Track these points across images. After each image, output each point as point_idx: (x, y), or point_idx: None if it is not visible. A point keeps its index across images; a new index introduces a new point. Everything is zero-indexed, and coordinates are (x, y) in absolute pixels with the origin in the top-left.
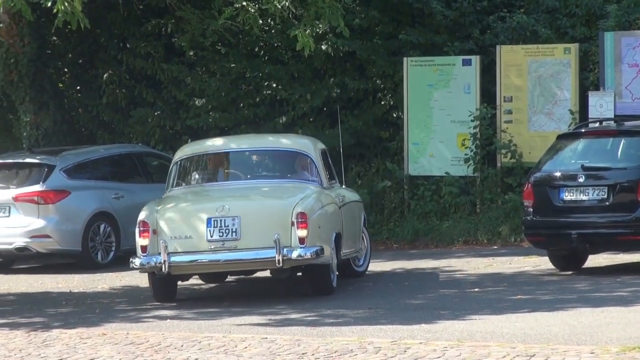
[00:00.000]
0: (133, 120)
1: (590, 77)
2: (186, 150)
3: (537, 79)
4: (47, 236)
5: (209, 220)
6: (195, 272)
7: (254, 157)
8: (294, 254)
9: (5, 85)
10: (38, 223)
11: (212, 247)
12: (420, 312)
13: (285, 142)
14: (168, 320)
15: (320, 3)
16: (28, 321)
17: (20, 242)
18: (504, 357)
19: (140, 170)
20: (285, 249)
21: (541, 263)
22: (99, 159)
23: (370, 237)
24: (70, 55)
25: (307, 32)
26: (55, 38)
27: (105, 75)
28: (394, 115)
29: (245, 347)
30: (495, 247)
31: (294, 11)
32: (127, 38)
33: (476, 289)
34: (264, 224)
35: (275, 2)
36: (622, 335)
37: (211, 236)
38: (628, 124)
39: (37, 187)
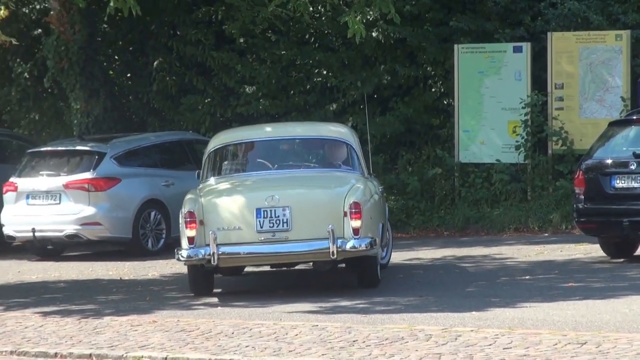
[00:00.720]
0: (183, 108)
1: None
2: (222, 139)
3: (589, 65)
4: (98, 223)
5: (258, 211)
6: (243, 264)
7: (294, 146)
8: (348, 245)
9: (56, 73)
10: (88, 210)
11: (262, 238)
12: (471, 299)
13: (325, 129)
14: (219, 307)
15: None
16: (79, 308)
17: (70, 229)
18: (555, 344)
19: (191, 157)
20: (339, 240)
21: (592, 250)
22: (149, 147)
23: (421, 225)
24: (120, 43)
25: (357, 18)
26: (105, 25)
27: (155, 63)
28: (445, 102)
29: (296, 335)
30: (546, 234)
31: None
32: (178, 25)
33: (527, 277)
34: (315, 214)
35: None
36: None
37: (261, 227)
38: None
39: (88, 175)
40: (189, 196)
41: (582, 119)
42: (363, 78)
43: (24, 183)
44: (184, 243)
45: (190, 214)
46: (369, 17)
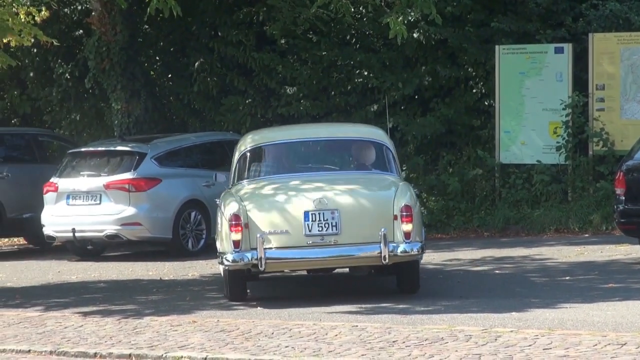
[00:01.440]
0: (224, 108)
1: None
2: (254, 140)
3: (630, 66)
4: (138, 224)
5: (306, 214)
6: (290, 269)
7: (329, 147)
8: (400, 250)
9: (97, 74)
10: (129, 211)
11: (310, 242)
12: (511, 300)
13: (360, 130)
14: (258, 308)
15: None
16: (119, 308)
17: (111, 229)
18: (595, 345)
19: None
20: (390, 245)
21: (632, 251)
22: (189, 147)
23: (461, 225)
24: (161, 44)
25: (399, 19)
26: (146, 26)
27: (196, 64)
28: (486, 103)
29: (336, 335)
30: (587, 235)
31: None
32: (219, 26)
33: (567, 278)
34: (365, 218)
35: None
36: None
37: (309, 230)
38: None
39: (128, 175)
40: (229, 199)
41: (623, 120)
42: (404, 79)
43: (64, 183)
44: (227, 247)
45: (236, 217)
46: (410, 18)
